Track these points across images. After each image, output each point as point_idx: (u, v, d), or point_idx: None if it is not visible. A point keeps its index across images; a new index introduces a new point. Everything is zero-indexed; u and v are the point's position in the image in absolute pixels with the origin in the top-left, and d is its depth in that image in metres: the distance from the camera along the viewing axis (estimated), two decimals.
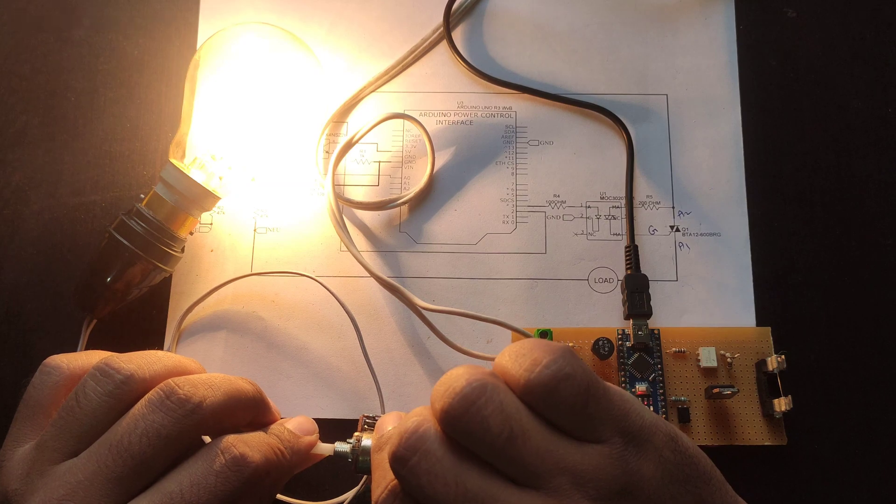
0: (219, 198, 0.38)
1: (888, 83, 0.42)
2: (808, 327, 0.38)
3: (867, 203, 0.40)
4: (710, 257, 0.40)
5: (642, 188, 0.41)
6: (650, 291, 0.38)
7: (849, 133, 0.41)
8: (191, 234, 0.39)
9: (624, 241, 0.40)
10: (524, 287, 0.40)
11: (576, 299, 0.39)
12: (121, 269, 0.36)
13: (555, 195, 0.41)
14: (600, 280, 0.40)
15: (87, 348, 0.38)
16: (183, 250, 0.39)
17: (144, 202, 0.37)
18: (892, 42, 0.43)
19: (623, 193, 0.41)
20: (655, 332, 0.37)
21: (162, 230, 0.37)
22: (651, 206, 0.41)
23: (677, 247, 0.40)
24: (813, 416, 0.37)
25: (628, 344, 0.37)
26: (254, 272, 0.40)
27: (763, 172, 0.41)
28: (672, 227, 0.40)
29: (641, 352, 0.37)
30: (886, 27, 0.43)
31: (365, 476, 0.34)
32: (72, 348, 0.38)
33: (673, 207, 0.41)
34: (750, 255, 0.40)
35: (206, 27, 0.44)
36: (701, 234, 0.40)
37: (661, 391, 0.36)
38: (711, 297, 0.39)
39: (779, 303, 0.39)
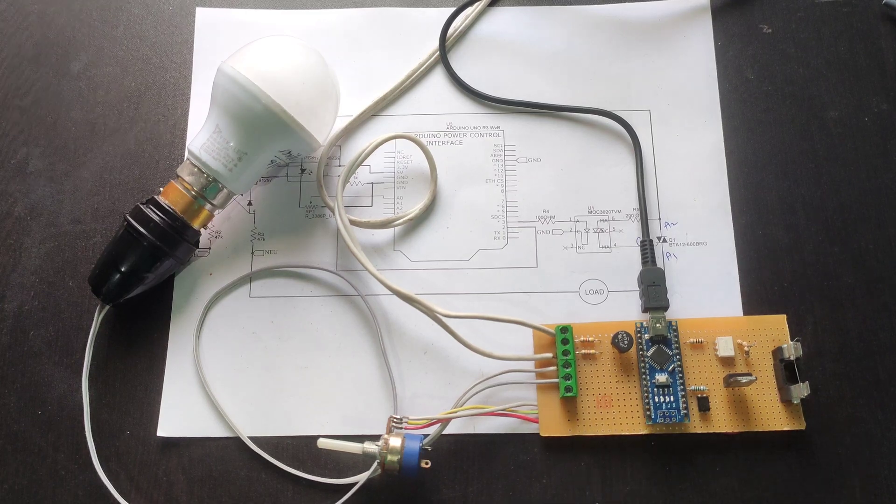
0: (232, 193, 0.40)
1: (862, 93, 0.43)
2: (793, 334, 0.39)
3: (848, 209, 0.41)
4: (697, 266, 0.41)
5: (629, 201, 0.42)
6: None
7: (827, 142, 0.43)
8: (204, 228, 0.40)
9: (616, 253, 0.41)
10: (517, 301, 0.40)
11: (567, 312, 0.40)
12: (135, 257, 0.38)
13: (544, 210, 0.42)
14: (591, 292, 0.40)
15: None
16: (197, 244, 0.40)
17: (162, 193, 0.39)
18: (864, 53, 0.44)
19: (612, 207, 0.42)
20: (673, 323, 0.38)
21: (176, 219, 0.38)
22: (638, 218, 0.42)
23: (664, 257, 0.41)
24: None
25: (647, 336, 0.38)
26: (275, 265, 0.41)
27: (746, 182, 0.42)
28: (659, 238, 0.41)
29: (660, 343, 0.38)
30: (858, 39, 0.44)
31: (375, 462, 0.35)
32: (75, 374, 0.39)
33: (659, 219, 0.42)
34: (736, 264, 0.41)
35: (201, 59, 0.45)
36: (687, 244, 0.41)
37: (681, 381, 0.37)
38: (699, 306, 0.40)
39: (766, 310, 0.40)
